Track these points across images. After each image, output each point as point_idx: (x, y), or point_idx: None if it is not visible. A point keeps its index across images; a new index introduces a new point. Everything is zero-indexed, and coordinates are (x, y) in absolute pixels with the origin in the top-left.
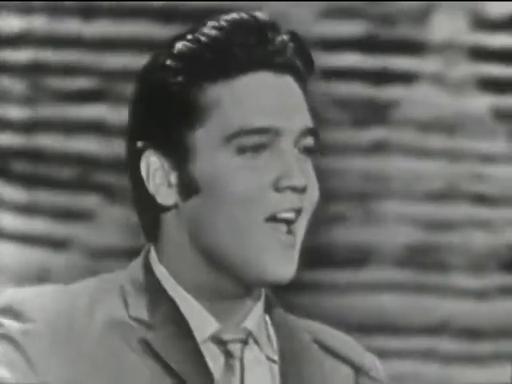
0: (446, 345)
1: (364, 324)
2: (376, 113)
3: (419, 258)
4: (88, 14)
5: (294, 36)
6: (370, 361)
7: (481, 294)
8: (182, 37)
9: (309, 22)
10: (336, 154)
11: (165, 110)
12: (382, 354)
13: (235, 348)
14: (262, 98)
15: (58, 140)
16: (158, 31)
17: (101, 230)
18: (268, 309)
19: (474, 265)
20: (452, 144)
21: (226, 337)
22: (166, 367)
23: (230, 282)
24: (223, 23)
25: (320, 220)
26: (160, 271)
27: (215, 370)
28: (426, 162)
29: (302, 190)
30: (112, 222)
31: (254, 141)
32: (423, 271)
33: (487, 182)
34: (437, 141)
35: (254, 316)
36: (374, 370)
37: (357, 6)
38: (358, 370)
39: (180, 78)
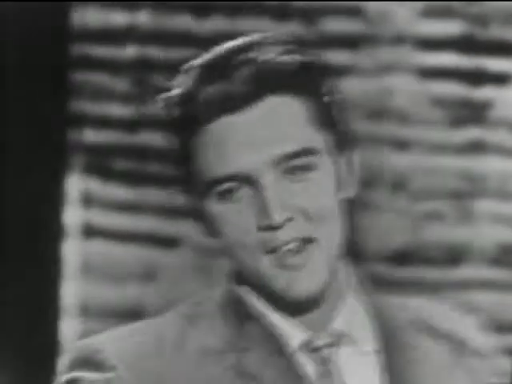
0: None
1: None
2: (471, 112)
3: None
4: (199, 10)
5: (284, 54)
6: (471, 331)
7: None
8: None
9: (409, 20)
10: (432, 152)
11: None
12: None
13: (329, 352)
14: (230, 143)
15: (165, 137)
16: (271, 28)
17: None
18: (363, 299)
19: None
20: None
21: (318, 342)
22: None
23: (280, 303)
24: (189, 73)
25: (414, 218)
26: (243, 292)
27: (313, 377)
28: None
29: (288, 222)
30: None
31: (229, 187)
32: None
33: None
34: None
35: (343, 315)
36: (474, 341)
37: (454, 6)
38: (459, 344)
39: (175, 131)
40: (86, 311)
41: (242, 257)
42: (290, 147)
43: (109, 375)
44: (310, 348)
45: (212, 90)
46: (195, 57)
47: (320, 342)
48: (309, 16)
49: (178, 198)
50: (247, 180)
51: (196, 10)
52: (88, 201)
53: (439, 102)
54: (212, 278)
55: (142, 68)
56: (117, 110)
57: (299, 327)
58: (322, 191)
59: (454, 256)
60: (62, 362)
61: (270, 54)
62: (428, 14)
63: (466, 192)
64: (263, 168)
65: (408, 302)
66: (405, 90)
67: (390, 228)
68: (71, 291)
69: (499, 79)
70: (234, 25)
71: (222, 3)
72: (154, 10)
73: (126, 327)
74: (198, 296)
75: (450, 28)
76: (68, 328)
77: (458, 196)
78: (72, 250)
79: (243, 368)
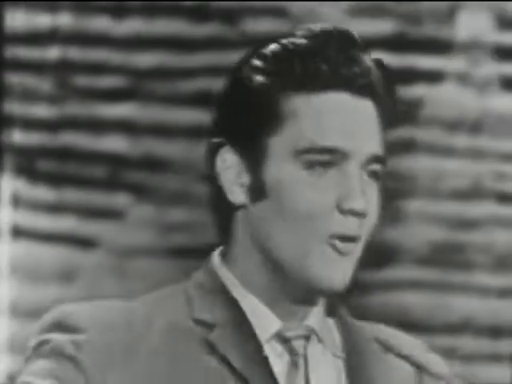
0: (469, 343)
1: (387, 322)
2: (401, 111)
3: (443, 256)
4: (118, 12)
5: (377, 61)
6: (431, 358)
7: (504, 293)
8: (275, 40)
9: (337, 20)
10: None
11: (246, 110)
12: None
13: (298, 345)
14: (337, 118)
15: (86, 139)
16: (188, 30)
17: (129, 229)
18: (330, 308)
19: (497, 263)
20: (477, 143)
21: (289, 334)
22: (229, 367)
23: (290, 287)
24: (314, 35)
25: None
26: (223, 273)
27: (279, 368)
28: (450, 160)
29: (361, 215)
30: (140, 221)
31: (323, 159)
32: (447, 270)
33: (511, 181)
34: (462, 139)
35: (316, 314)
36: (437, 370)
37: (385, 5)
38: (420, 368)
39: (264, 81)
40: (15, 312)
41: (298, 233)
42: (380, 150)
43: (78, 337)
44: (282, 338)
45: (345, 65)
46: (114, 58)
47: (291, 334)
48: (230, 17)
49: (96, 199)
50: (340, 159)
51: (113, 12)
52: (16, 202)
53: None
54: (128, 279)
55: (64, 69)
56: (41, 111)
57: (276, 317)
58: (377, 203)
59: (383, 256)
60: (37, 325)
61: (371, 58)
62: (356, 13)
63: (397, 192)
64: (359, 156)
65: (368, 324)
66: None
67: None
68: (1, 292)
69: (431, 77)
70: (152, 25)
71: (138, 4)
72: (74, 12)
73: (99, 301)
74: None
75: (380, 27)
76: None
77: (387, 196)
78: (2, 251)
79: (211, 346)
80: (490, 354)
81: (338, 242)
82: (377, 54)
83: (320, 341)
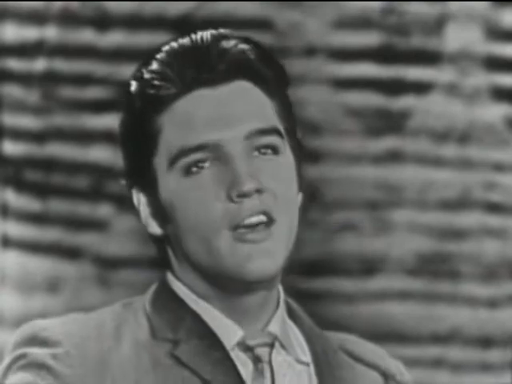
0: (457, 353)
1: (374, 333)
2: (390, 122)
3: (430, 266)
4: (102, 24)
5: (248, 45)
6: (395, 366)
7: (492, 303)
8: (135, 70)
9: (323, 32)
10: (349, 162)
11: (130, 143)
12: None
13: (263, 352)
14: (197, 114)
15: (71, 149)
16: None
17: (113, 239)
18: (292, 315)
19: (485, 273)
20: (465, 153)
21: (252, 342)
22: (198, 377)
23: (227, 288)
24: (159, 55)
25: (331, 228)
26: (178, 287)
27: (246, 376)
28: (438, 170)
29: (256, 193)
30: (124, 232)
31: (196, 158)
32: (434, 280)
33: (500, 191)
34: (450, 150)
35: (277, 321)
36: (399, 374)
37: (371, 18)
38: (385, 375)
39: (133, 112)
40: (2, 321)
41: (201, 235)
42: (261, 124)
43: (55, 350)
44: (245, 346)
45: (185, 64)
46: (99, 69)
47: (253, 342)
48: (213, 28)
49: (81, 210)
50: (215, 151)
51: (98, 24)
52: (4, 212)
53: (354, 113)
54: (112, 289)
55: (50, 80)
56: (28, 121)
57: (237, 325)
58: (287, 176)
59: (370, 266)
60: (13, 340)
61: (237, 42)
62: (341, 25)
63: (383, 202)
64: (234, 140)
65: (332, 333)
66: (317, 101)
67: (303, 239)
68: None
69: (419, 88)
70: (136, 37)
71: (122, 16)
72: (60, 25)
73: (68, 315)
74: (133, 297)
75: (367, 39)
76: None
77: (374, 206)
78: None
79: (179, 359)
80: (478, 364)
81: (243, 233)
82: (365, 66)
83: (283, 347)
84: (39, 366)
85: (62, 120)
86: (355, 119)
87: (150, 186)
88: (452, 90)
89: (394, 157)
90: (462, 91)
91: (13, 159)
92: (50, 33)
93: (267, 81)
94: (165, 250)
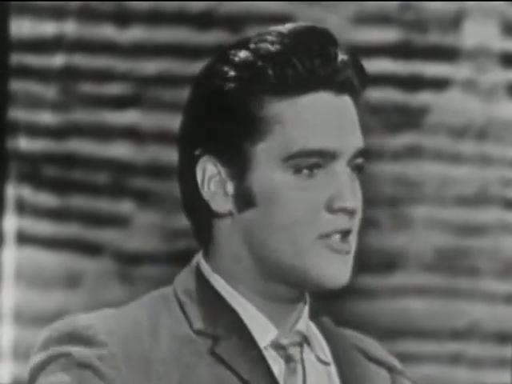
0: (475, 349)
1: (393, 329)
2: (408, 118)
3: (449, 262)
4: (122, 19)
5: (351, 53)
6: (396, 362)
7: (510, 298)
8: (241, 45)
9: (343, 28)
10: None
11: (224, 119)
12: (411, 359)
13: (295, 351)
14: (321, 119)
15: (91, 145)
16: (194, 37)
17: (134, 235)
18: (313, 315)
19: (503, 269)
20: (483, 149)
21: (285, 341)
22: (237, 376)
23: (285, 288)
24: (285, 36)
25: None
26: (215, 280)
27: (278, 375)
28: (457, 167)
29: (352, 212)
30: (145, 228)
31: (312, 162)
32: (453, 276)
33: None
34: (468, 146)
35: (304, 319)
36: (398, 364)
37: (389, 13)
38: (391, 370)
39: (241, 89)
40: (19, 318)
41: (291, 234)
42: (363, 144)
43: (101, 351)
44: (278, 345)
45: (321, 63)
46: (119, 65)
47: (287, 341)
48: (235, 24)
49: (101, 205)
50: (329, 160)
51: (118, 19)
52: (21, 208)
53: (374, 109)
54: (133, 285)
55: (69, 76)
56: (46, 117)
57: (271, 324)
58: (361, 194)
59: (390, 262)
60: (45, 336)
61: (347, 52)
62: (361, 21)
63: (403, 198)
64: (345, 154)
65: (340, 329)
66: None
67: None
68: (6, 298)
69: (437, 84)
70: (156, 33)
71: (143, 12)
72: (79, 20)
73: (101, 311)
74: (162, 288)
75: (385, 35)
76: (3, 334)
77: (394, 202)
78: (8, 257)
79: (217, 356)
80: (496, 360)
81: (332, 241)
82: (383, 62)
83: (309, 346)
84: (84, 367)
85: (81, 116)
86: (374, 115)
87: (239, 167)
88: (469, 86)
89: (412, 153)
90: (480, 87)
91: (30, 155)
92: (69, 28)
93: (361, 97)
94: (210, 231)
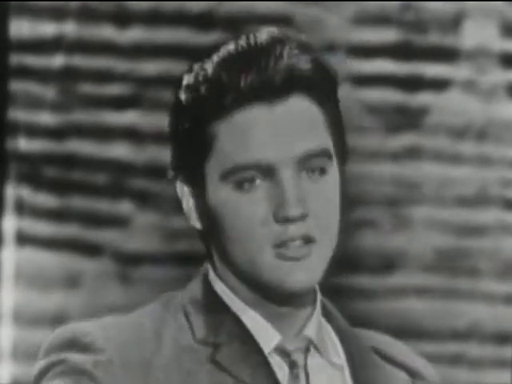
0: (475, 349)
1: (392, 329)
2: (408, 119)
3: (449, 263)
4: (122, 20)
5: (304, 54)
6: (422, 365)
7: (510, 299)
8: (190, 68)
9: (343, 28)
10: (367, 159)
11: (183, 141)
12: None
13: (299, 357)
14: (254, 133)
15: (91, 146)
16: (194, 38)
17: (134, 236)
18: (328, 316)
19: (503, 270)
20: (483, 150)
21: (290, 347)
22: (239, 382)
23: (267, 296)
24: (216, 57)
25: (350, 225)
26: (220, 288)
27: (282, 380)
28: (456, 167)
29: (300, 219)
30: (145, 228)
31: (250, 175)
32: (452, 276)
33: None
34: (468, 147)
35: (313, 323)
36: (427, 373)
37: (389, 14)
38: (413, 375)
39: (188, 112)
40: (19, 318)
41: (245, 247)
42: (313, 146)
43: (98, 357)
44: (282, 351)
45: (247, 78)
46: (119, 65)
47: (292, 346)
48: (234, 25)
49: (101, 206)
50: (268, 171)
51: (118, 20)
52: (20, 209)
53: (374, 109)
54: (132, 286)
55: (68, 77)
56: (46, 118)
57: (275, 329)
58: (331, 196)
59: (389, 263)
60: (47, 343)
61: (299, 54)
62: (361, 21)
63: (402, 198)
64: (286, 161)
65: (363, 331)
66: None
67: None
68: (6, 299)
69: (437, 85)
70: (156, 33)
71: (143, 13)
72: (78, 20)
73: (105, 318)
74: (173, 292)
75: (385, 35)
76: (2, 335)
77: (393, 203)
78: (7, 258)
79: (220, 365)
80: (496, 360)
81: (284, 250)
82: (383, 62)
83: (317, 350)
84: (80, 373)
85: (81, 116)
86: (374, 116)
87: (197, 185)
88: (469, 86)
89: (412, 153)
90: (480, 88)
91: (29, 156)
92: (69, 29)
93: (322, 93)
94: (208, 244)
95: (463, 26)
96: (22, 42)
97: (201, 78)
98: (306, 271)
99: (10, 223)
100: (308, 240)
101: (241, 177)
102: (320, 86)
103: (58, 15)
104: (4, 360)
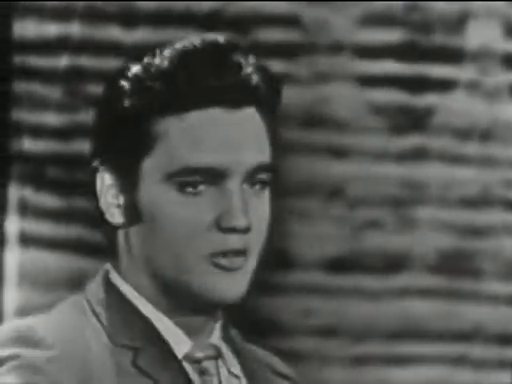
0: (478, 350)
1: (396, 330)
2: (412, 119)
3: (452, 264)
4: (129, 20)
5: (258, 64)
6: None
7: None
8: (138, 59)
9: (349, 29)
10: (372, 160)
11: (118, 132)
12: (414, 360)
13: (209, 364)
14: (209, 135)
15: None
16: None
17: None
18: (223, 326)
19: (507, 271)
20: (487, 151)
21: (199, 354)
22: None
23: (182, 303)
24: (175, 53)
25: (354, 225)
26: (127, 290)
27: None
28: (460, 168)
29: (244, 231)
30: None
31: (196, 179)
32: (456, 277)
33: None
34: (472, 147)
35: (217, 332)
36: (295, 375)
37: (395, 15)
38: (294, 382)
39: (130, 102)
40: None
41: (176, 251)
42: (263, 159)
43: (50, 353)
44: (192, 358)
45: (207, 79)
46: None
47: (202, 354)
48: (242, 26)
49: None
50: (217, 177)
51: (124, 21)
52: (23, 210)
53: (379, 110)
54: None
55: (74, 77)
56: (51, 119)
57: (184, 336)
58: (267, 210)
59: (394, 264)
60: None
61: (253, 61)
62: (366, 22)
63: (407, 199)
64: (238, 170)
65: (248, 345)
66: (343, 98)
67: (326, 236)
68: (10, 299)
69: (442, 86)
70: (163, 34)
71: (151, 13)
72: (85, 21)
73: (36, 316)
74: (75, 295)
75: (391, 36)
76: None
77: (398, 203)
78: (10, 259)
79: (139, 368)
80: (499, 361)
81: (220, 259)
82: (388, 63)
83: (224, 358)
84: (35, 370)
85: (87, 117)
86: (379, 116)
87: (129, 180)
88: (474, 87)
89: (417, 154)
90: (484, 89)
91: (33, 156)
92: (75, 29)
93: (270, 107)
94: (113, 240)
95: (467, 26)
96: (25, 42)
97: (153, 70)
98: (238, 283)
99: (14, 224)
100: (244, 252)
101: (187, 179)
102: (269, 99)
103: (64, 15)
104: None
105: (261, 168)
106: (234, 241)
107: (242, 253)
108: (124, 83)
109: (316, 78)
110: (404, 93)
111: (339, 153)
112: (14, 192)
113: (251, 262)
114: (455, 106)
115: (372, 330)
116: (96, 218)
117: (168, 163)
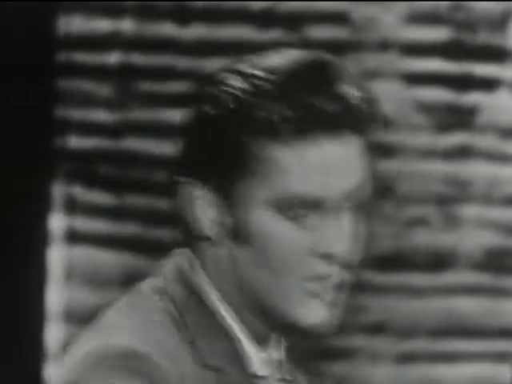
0: None
1: (442, 327)
2: (458, 118)
3: (498, 261)
4: (183, 17)
5: (359, 88)
6: None
7: None
8: (236, 73)
9: (396, 27)
10: (418, 157)
11: (221, 150)
12: (460, 357)
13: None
14: (321, 167)
15: (150, 144)
16: (255, 35)
17: None
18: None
19: None
20: None
21: (278, 376)
22: None
23: (263, 325)
24: (283, 78)
25: (400, 223)
26: (214, 304)
27: None
28: (506, 166)
29: (341, 259)
30: None
31: (304, 206)
32: (501, 274)
33: None
34: None
35: (283, 350)
36: None
37: (441, 12)
38: None
39: (238, 127)
40: (70, 317)
41: (275, 277)
42: (362, 181)
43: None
44: (274, 379)
45: (317, 107)
46: (179, 63)
47: (279, 376)
48: (293, 23)
49: (160, 204)
50: (328, 208)
51: (178, 17)
52: (72, 207)
53: (426, 108)
54: None
55: (125, 74)
56: (101, 116)
57: (257, 357)
58: (361, 235)
59: (440, 261)
60: (101, 356)
61: (358, 88)
62: (414, 20)
63: (452, 197)
64: (347, 203)
65: None
66: (391, 96)
67: (375, 233)
68: (56, 297)
69: (487, 84)
70: (217, 31)
71: (204, 10)
72: (137, 18)
73: (127, 331)
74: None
75: (437, 34)
76: (52, 333)
77: (444, 201)
78: (57, 256)
79: None
80: None
81: (316, 286)
82: (434, 61)
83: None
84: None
85: (139, 114)
86: (426, 114)
87: (226, 198)
88: None
89: (462, 152)
90: None
91: (81, 154)
92: (126, 26)
93: (370, 134)
94: (196, 250)
95: (509, 25)
96: (71, 39)
97: (263, 95)
98: (327, 313)
99: (59, 221)
100: (344, 286)
101: (300, 210)
102: (371, 127)
103: (114, 12)
104: (55, 359)
105: (358, 190)
106: (331, 269)
107: (340, 288)
108: (230, 103)
109: (363, 75)
110: (449, 91)
111: (387, 150)
112: (60, 189)
113: (345, 296)
114: (499, 105)
115: (418, 327)
116: (152, 216)
117: (276, 190)
